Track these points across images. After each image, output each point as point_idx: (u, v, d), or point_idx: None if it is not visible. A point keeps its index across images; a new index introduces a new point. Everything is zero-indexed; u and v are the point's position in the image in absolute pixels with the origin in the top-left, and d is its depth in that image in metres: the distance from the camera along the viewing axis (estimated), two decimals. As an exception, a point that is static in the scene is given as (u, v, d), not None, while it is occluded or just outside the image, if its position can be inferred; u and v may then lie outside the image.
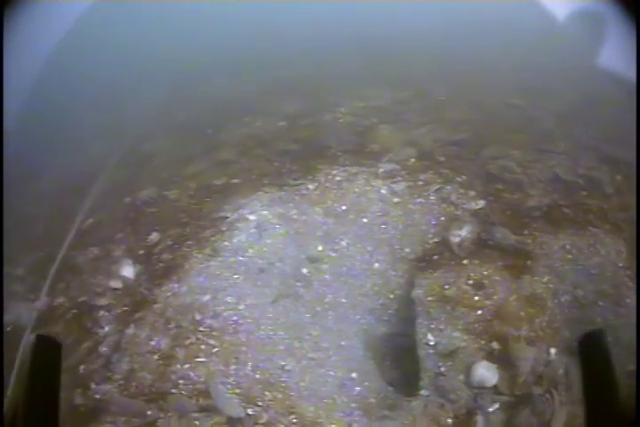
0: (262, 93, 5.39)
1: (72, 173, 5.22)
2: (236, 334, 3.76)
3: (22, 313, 4.31)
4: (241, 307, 3.87)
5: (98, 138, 5.34)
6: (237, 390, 3.56)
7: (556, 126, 5.01)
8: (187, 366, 3.66)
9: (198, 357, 3.68)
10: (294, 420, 3.50)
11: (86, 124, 5.38)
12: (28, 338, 4.11)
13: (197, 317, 3.82)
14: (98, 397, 3.67)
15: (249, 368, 3.65)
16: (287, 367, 3.72)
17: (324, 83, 5.46)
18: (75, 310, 4.19)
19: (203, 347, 3.71)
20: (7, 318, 4.29)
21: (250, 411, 3.50)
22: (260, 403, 3.53)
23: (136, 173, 5.04)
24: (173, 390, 3.60)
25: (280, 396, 3.58)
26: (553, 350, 3.82)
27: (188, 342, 3.74)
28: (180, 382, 3.61)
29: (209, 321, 3.80)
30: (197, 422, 3.48)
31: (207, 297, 3.90)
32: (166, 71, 5.67)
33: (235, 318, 3.82)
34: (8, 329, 4.21)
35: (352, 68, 5.58)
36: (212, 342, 3.72)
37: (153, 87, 5.69)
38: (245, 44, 5.54)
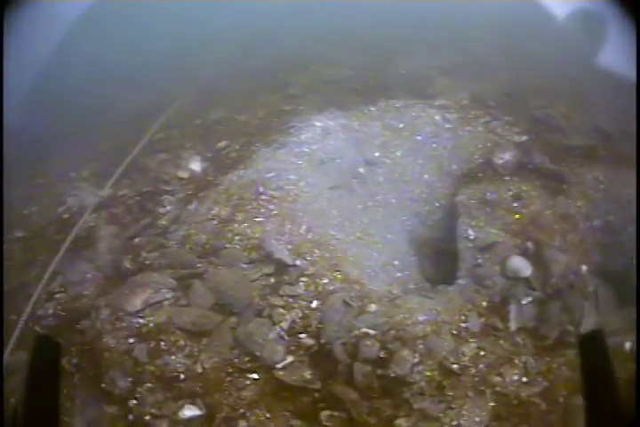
0: (334, 50, 5.96)
1: (146, 105, 5.72)
2: (294, 203, 4.06)
3: (85, 197, 4.66)
4: (302, 184, 4.19)
5: (172, 78, 5.84)
6: (289, 246, 3.81)
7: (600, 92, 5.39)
8: (244, 224, 3.93)
9: (257, 217, 3.96)
10: (338, 276, 3.73)
11: (161, 68, 5.94)
12: (87, 218, 4.42)
13: (260, 189, 4.13)
14: (148, 262, 3.94)
15: (303, 229, 3.92)
16: (338, 237, 4.00)
17: (394, 46, 6.03)
18: (138, 198, 4.53)
19: (262, 210, 4.00)
20: (70, 200, 4.64)
21: (298, 262, 3.74)
22: (308, 257, 3.78)
23: (208, 103, 5.52)
24: (227, 246, 3.86)
25: (328, 255, 3.83)
26: (584, 267, 4.07)
27: (248, 207, 4.04)
28: (236, 238, 3.88)
29: (271, 192, 4.10)
30: (245, 273, 3.72)
31: (272, 174, 4.24)
32: (239, 33, 6.28)
33: (295, 191, 4.13)
34: (66, 217, 4.55)
35: (420, 35, 6.14)
36: (271, 206, 4.01)
37: (225, 45, 6.29)
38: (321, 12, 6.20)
